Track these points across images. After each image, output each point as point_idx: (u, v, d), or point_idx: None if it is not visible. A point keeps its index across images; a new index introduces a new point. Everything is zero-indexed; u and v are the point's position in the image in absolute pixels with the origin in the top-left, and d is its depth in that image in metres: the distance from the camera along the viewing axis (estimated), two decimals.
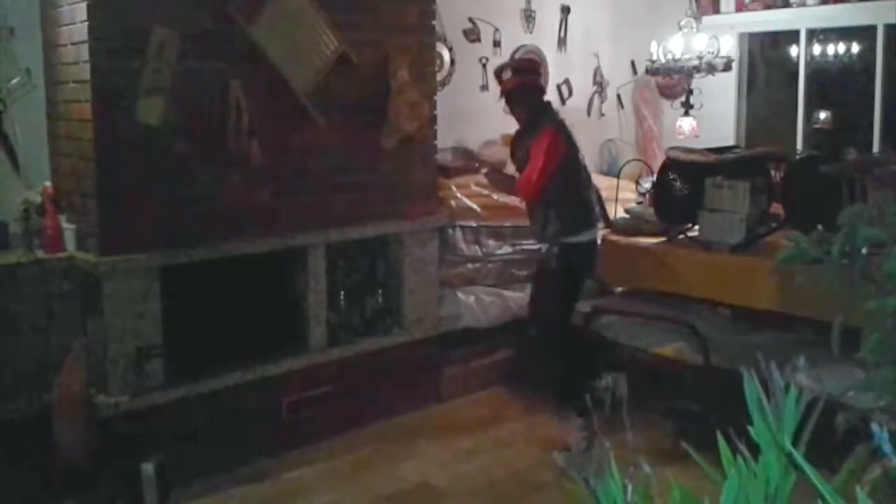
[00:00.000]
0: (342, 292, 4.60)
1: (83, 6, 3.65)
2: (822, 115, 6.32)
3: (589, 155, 6.74)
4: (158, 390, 3.88)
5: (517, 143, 4.57)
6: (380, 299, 4.78)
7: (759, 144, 6.13)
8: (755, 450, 1.02)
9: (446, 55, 5.73)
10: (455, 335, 5.02)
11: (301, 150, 4.28)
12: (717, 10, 6.94)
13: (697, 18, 6.50)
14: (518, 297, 5.13)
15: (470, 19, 5.94)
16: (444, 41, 5.68)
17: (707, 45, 5.93)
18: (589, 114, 6.86)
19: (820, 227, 1.79)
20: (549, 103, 4.61)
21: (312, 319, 4.42)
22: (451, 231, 5.05)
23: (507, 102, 4.50)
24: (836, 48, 6.76)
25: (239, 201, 4.09)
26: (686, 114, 6.42)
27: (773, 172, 4.88)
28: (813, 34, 6.69)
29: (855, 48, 6.71)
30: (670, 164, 4.90)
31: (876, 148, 6.16)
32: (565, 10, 6.58)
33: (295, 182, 4.28)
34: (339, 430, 4.43)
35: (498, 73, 4.54)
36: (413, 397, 4.78)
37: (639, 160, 6.42)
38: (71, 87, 3.86)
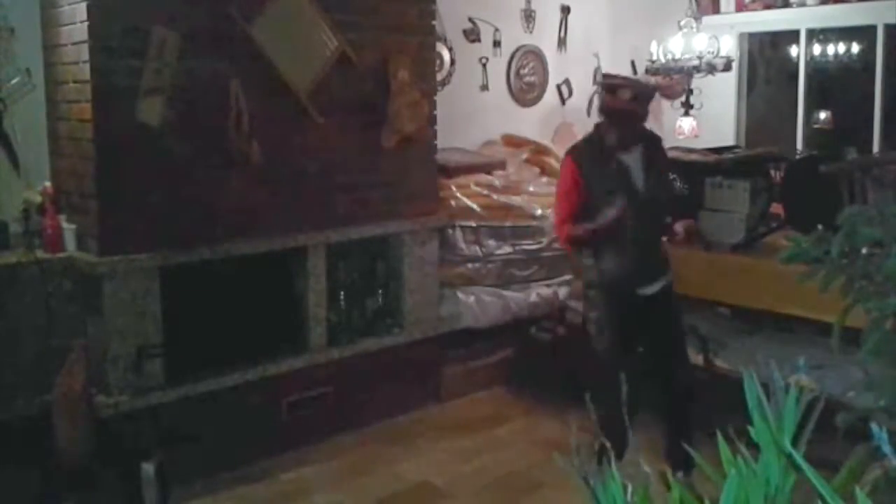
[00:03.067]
0: (342, 292, 4.60)
1: (83, 6, 3.65)
2: (822, 115, 6.31)
3: None
4: (158, 390, 3.88)
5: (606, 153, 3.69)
6: (380, 299, 4.78)
7: (759, 144, 6.12)
8: (755, 450, 1.02)
9: (446, 55, 5.73)
10: (455, 335, 5.02)
11: (301, 150, 4.28)
12: (717, 10, 6.92)
13: (697, 18, 6.49)
14: (518, 297, 5.13)
15: (470, 19, 5.94)
16: (444, 41, 5.68)
17: (707, 45, 5.92)
18: (589, 114, 6.84)
19: (820, 227, 1.79)
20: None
21: (312, 319, 4.42)
22: (451, 231, 5.04)
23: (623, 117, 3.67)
24: (836, 48, 6.75)
25: (239, 201, 4.09)
26: (686, 114, 6.41)
27: (773, 172, 4.88)
28: (813, 34, 6.68)
29: (855, 48, 6.71)
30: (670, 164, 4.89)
31: (876, 148, 6.15)
32: (565, 10, 6.58)
33: (295, 182, 4.28)
34: (339, 430, 4.43)
35: (613, 86, 3.72)
36: (413, 397, 4.77)
37: None
38: (71, 87, 3.86)
